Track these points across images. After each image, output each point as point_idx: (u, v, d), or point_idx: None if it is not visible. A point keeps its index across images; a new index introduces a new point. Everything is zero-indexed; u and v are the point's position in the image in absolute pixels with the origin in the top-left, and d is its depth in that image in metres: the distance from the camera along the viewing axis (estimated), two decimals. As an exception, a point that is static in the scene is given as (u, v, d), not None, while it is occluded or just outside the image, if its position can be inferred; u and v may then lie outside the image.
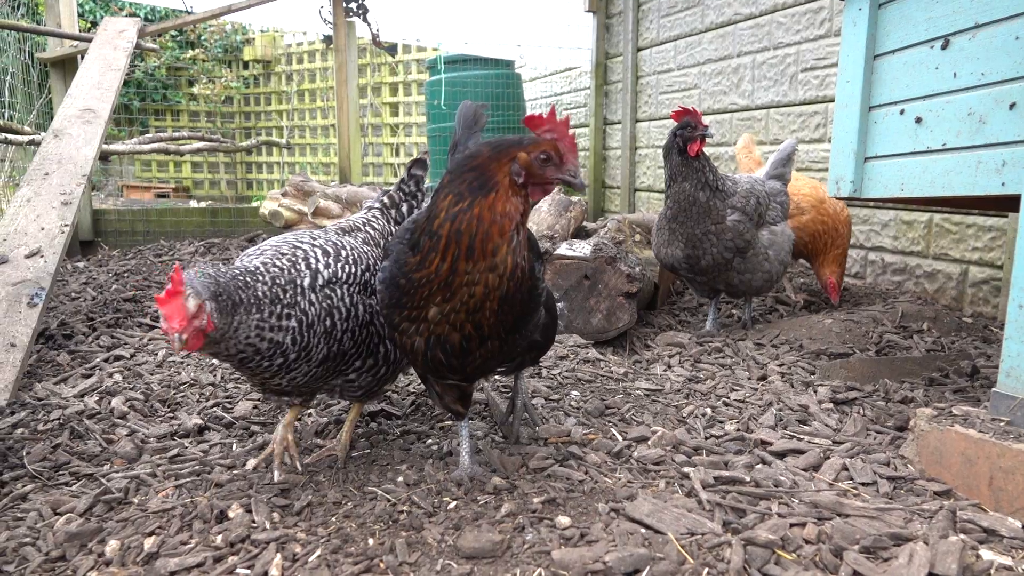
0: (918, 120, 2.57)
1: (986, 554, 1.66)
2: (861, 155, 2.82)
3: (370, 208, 2.70)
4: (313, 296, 2.08)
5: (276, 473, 2.20)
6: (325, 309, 2.10)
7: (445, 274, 1.80)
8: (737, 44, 6.26)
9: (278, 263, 2.10)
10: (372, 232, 2.54)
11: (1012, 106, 2.22)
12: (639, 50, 7.74)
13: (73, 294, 4.90)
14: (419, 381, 2.89)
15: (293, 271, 2.10)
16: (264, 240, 2.42)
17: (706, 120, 3.64)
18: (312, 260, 2.16)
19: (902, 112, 2.65)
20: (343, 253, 2.25)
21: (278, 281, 2.04)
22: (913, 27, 2.59)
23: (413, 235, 1.90)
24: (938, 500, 1.99)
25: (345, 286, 2.17)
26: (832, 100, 5.23)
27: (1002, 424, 2.10)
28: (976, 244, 4.37)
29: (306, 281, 2.09)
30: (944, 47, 2.47)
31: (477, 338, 1.89)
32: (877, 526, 1.78)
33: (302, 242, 2.24)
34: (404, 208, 2.70)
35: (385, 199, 2.70)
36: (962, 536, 1.71)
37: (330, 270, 2.16)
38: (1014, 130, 2.23)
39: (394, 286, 1.93)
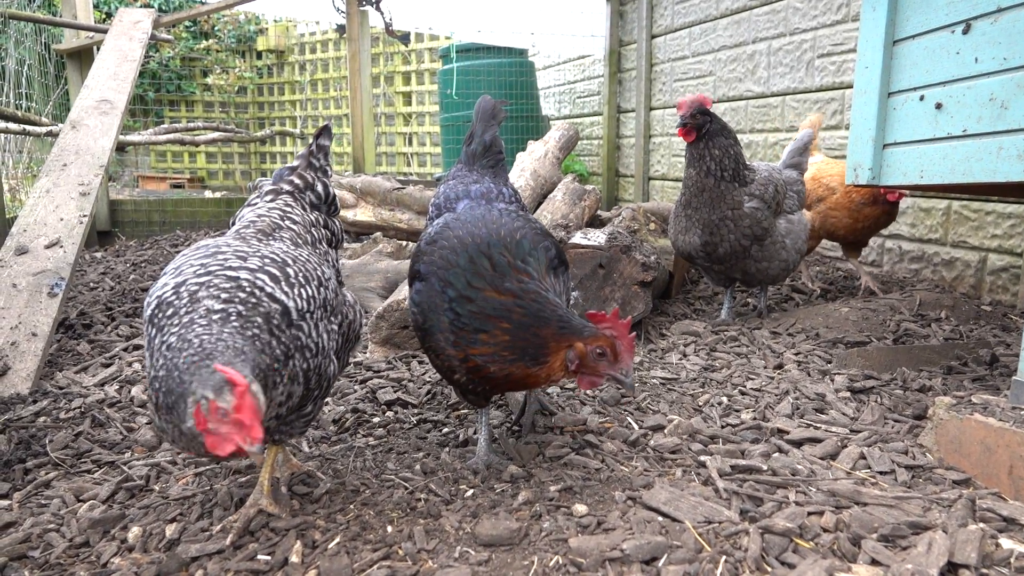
0: (938, 106, 2.54)
1: (1006, 543, 1.65)
2: (880, 142, 2.79)
3: (276, 194, 2.14)
4: (293, 343, 1.71)
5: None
6: (297, 349, 1.72)
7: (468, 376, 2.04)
8: (752, 30, 6.20)
9: (240, 296, 1.65)
10: (296, 228, 2.06)
11: (1035, 91, 2.19)
12: (653, 37, 7.67)
13: (92, 284, 4.96)
14: (435, 370, 2.90)
15: (263, 308, 1.66)
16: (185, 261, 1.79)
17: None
18: (269, 291, 1.70)
19: (922, 98, 2.62)
20: (290, 271, 1.79)
21: (273, 320, 1.65)
22: (934, 11, 2.55)
23: (458, 310, 1.93)
24: (957, 489, 1.98)
25: (308, 315, 1.76)
26: (849, 86, 5.18)
27: (1022, 412, 2.08)
28: (995, 231, 4.32)
29: (284, 322, 1.70)
30: (965, 32, 2.43)
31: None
32: (895, 515, 1.77)
33: (234, 268, 1.72)
34: (319, 188, 2.21)
35: (296, 179, 2.18)
36: (981, 525, 1.71)
37: (292, 301, 1.72)
38: (1037, 116, 2.20)
39: (425, 331, 2.06)
